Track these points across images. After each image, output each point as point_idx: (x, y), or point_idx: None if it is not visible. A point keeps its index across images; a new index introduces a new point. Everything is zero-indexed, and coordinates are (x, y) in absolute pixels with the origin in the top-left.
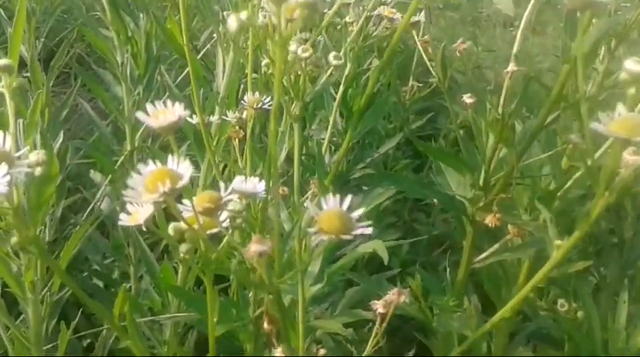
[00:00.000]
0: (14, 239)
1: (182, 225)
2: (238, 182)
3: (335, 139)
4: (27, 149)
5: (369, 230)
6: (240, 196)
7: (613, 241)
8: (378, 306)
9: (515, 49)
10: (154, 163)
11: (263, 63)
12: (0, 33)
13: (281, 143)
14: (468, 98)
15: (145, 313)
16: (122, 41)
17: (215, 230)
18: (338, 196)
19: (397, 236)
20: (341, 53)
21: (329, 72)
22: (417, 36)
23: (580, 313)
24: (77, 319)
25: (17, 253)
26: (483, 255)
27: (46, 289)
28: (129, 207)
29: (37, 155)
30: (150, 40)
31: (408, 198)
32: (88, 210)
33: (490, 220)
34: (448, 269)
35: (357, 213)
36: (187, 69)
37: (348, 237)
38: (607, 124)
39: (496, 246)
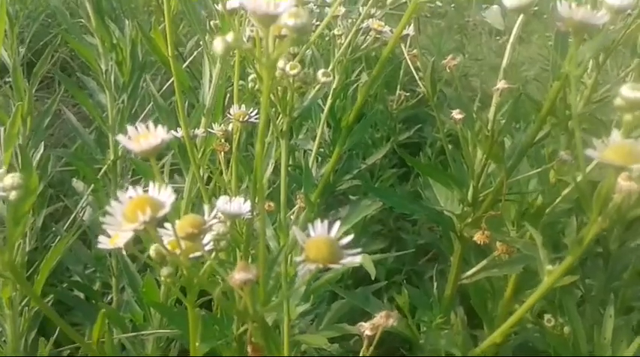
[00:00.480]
0: None
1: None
2: (223, 203)
3: (322, 149)
4: (2, 171)
5: (358, 259)
6: (225, 217)
7: (597, 251)
8: (366, 328)
9: (504, 63)
10: (134, 189)
11: (250, 77)
12: None
13: (267, 156)
14: (457, 114)
15: (126, 326)
16: (107, 48)
17: (198, 254)
18: (326, 222)
19: (383, 245)
20: (330, 66)
21: (317, 88)
22: (406, 47)
23: (567, 329)
24: (57, 332)
25: None
26: (471, 271)
27: (24, 303)
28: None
29: (12, 178)
30: (135, 48)
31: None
32: (70, 219)
33: (479, 237)
34: (435, 283)
35: (345, 240)
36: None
37: (336, 266)
38: (601, 151)
39: (484, 262)
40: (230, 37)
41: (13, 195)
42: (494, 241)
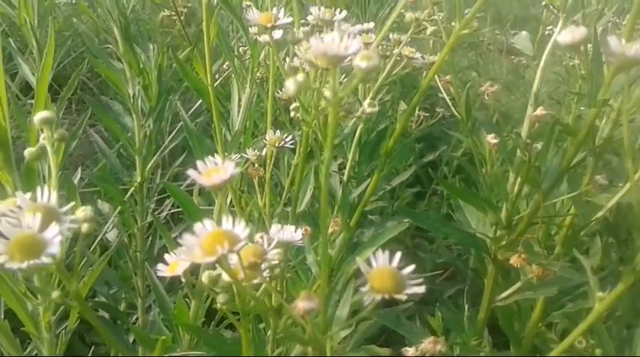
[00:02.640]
0: (55, 293)
1: (215, 273)
2: (275, 231)
3: (343, 170)
4: (72, 205)
5: (422, 289)
6: (279, 246)
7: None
8: (411, 353)
9: (534, 88)
10: (208, 224)
11: (291, 106)
12: (8, 59)
13: (306, 183)
14: (492, 138)
15: (154, 347)
16: (134, 73)
17: (256, 281)
18: (387, 253)
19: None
20: (370, 94)
21: (357, 115)
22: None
23: (598, 351)
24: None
25: (34, 293)
26: (505, 293)
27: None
28: (167, 257)
29: (84, 212)
30: (161, 73)
31: (410, 224)
32: (97, 240)
33: (515, 260)
34: (467, 305)
35: (407, 270)
36: (198, 101)
37: (401, 297)
38: None
39: (518, 284)
40: (301, 77)
41: (85, 227)
42: (528, 263)
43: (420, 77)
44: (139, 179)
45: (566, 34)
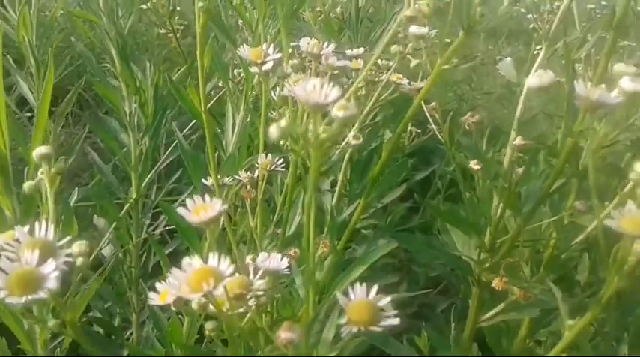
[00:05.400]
0: (52, 322)
1: (204, 301)
2: (262, 259)
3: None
4: (69, 239)
5: (397, 321)
6: (265, 274)
7: None
8: None
9: (517, 114)
10: (196, 260)
11: None
12: (5, 74)
13: (295, 207)
14: (474, 164)
15: None
16: (131, 91)
17: (240, 310)
18: (365, 285)
19: (394, 279)
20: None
21: (343, 146)
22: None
23: None
24: None
25: (30, 310)
26: (490, 314)
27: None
28: (158, 285)
29: (79, 246)
30: (157, 90)
31: None
32: (92, 255)
33: (497, 283)
34: (453, 324)
35: (383, 301)
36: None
37: (377, 329)
38: (618, 220)
39: (502, 305)
40: (284, 122)
41: (80, 261)
42: (511, 285)
43: (411, 97)
44: (134, 196)
45: (534, 79)
